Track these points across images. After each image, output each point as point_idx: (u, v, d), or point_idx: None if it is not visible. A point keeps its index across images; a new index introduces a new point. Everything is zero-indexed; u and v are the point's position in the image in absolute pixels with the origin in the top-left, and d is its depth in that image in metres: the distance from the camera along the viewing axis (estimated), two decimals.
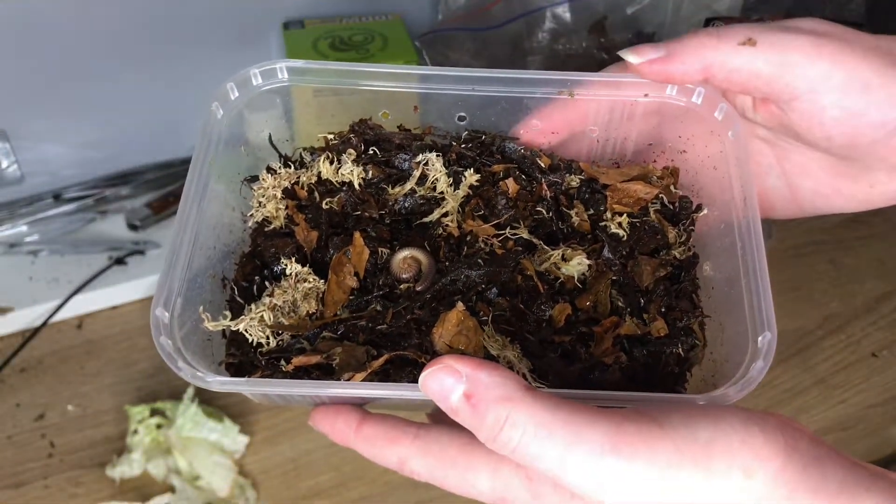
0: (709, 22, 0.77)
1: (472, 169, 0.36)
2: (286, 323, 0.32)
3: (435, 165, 0.36)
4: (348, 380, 0.29)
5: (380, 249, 0.34)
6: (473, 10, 0.79)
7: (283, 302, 0.32)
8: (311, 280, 0.33)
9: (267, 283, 0.33)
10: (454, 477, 0.29)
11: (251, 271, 0.35)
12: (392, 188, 0.36)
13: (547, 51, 0.82)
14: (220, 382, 0.28)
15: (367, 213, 0.35)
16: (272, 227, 0.36)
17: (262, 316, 0.32)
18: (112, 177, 0.80)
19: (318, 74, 0.37)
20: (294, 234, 0.35)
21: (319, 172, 0.36)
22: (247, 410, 0.61)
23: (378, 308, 0.32)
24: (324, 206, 0.35)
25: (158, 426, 0.58)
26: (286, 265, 0.33)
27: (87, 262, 0.72)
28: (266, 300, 0.32)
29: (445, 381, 0.26)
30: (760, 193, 0.35)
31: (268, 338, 0.31)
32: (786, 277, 0.73)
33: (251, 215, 0.36)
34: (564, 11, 0.82)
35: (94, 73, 0.75)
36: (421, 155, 0.37)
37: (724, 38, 0.32)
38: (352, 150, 0.37)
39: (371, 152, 0.37)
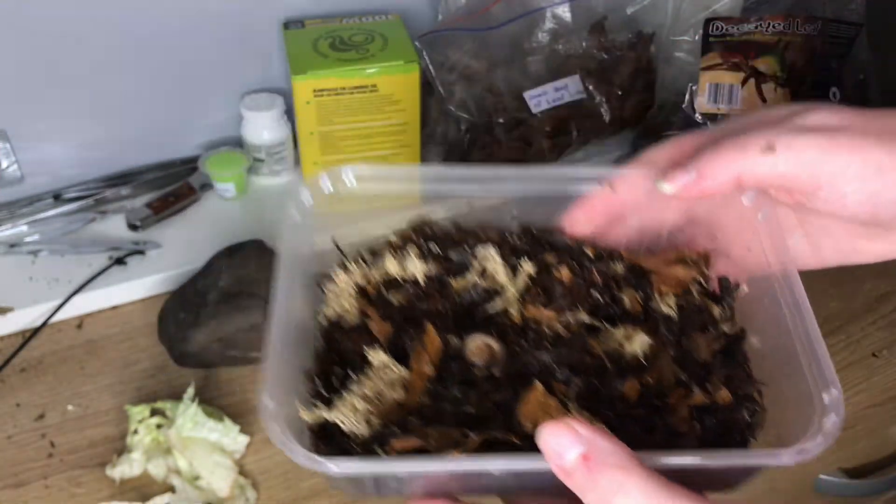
0: (709, 23, 0.77)
1: (528, 258, 0.39)
2: (375, 411, 0.33)
3: (493, 258, 0.39)
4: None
5: (450, 338, 0.36)
6: (473, 10, 0.79)
7: (371, 391, 0.34)
8: (395, 369, 0.35)
9: (351, 374, 0.35)
10: None
11: (329, 364, 0.36)
12: (454, 281, 0.39)
13: (547, 51, 0.82)
14: (344, 466, 0.30)
15: (433, 306, 0.38)
16: (346, 322, 0.38)
17: (354, 405, 0.33)
18: (112, 177, 0.80)
19: (384, 179, 0.40)
20: (368, 328, 0.37)
21: (386, 270, 0.39)
22: (246, 410, 0.62)
23: (457, 394, 0.34)
24: (393, 301, 0.38)
25: (158, 426, 0.58)
26: (371, 356, 0.35)
27: (87, 262, 0.72)
28: (355, 389, 0.34)
29: (564, 440, 0.28)
30: None
31: (361, 426, 0.33)
32: None
33: (324, 311, 0.38)
34: (564, 11, 0.82)
35: (95, 73, 0.75)
36: (479, 249, 0.39)
37: (747, 149, 0.34)
38: (414, 247, 0.40)
39: (432, 249, 0.40)
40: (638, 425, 0.33)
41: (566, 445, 0.27)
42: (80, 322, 0.69)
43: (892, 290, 0.72)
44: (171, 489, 0.55)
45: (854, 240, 0.37)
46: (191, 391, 0.58)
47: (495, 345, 0.36)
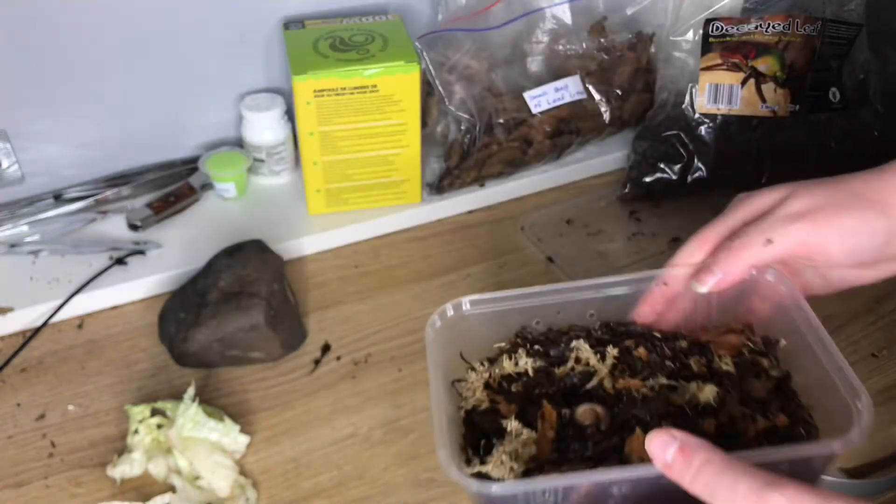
0: (709, 23, 0.77)
1: (611, 346, 0.50)
2: (519, 464, 0.44)
3: (584, 348, 0.51)
4: None
5: (562, 411, 0.47)
6: (473, 10, 0.79)
7: (511, 450, 0.45)
8: (526, 433, 0.46)
9: (494, 441, 0.46)
10: None
11: (474, 437, 0.47)
12: (558, 370, 0.50)
13: (547, 51, 0.82)
14: (510, 486, 0.42)
15: (544, 390, 0.48)
16: (480, 409, 0.49)
17: (502, 459, 0.44)
18: (113, 177, 0.80)
19: (491, 303, 0.52)
20: (498, 411, 0.48)
21: (503, 368, 0.51)
22: (247, 410, 0.62)
23: (577, 446, 0.44)
24: (513, 389, 0.49)
25: (159, 426, 0.58)
26: (507, 424, 0.46)
27: (87, 262, 0.72)
28: (500, 448, 0.45)
29: (664, 439, 0.37)
30: (801, 284, 0.50)
31: (508, 473, 0.44)
32: None
33: (463, 403, 0.50)
34: (564, 12, 0.82)
35: (95, 73, 0.75)
36: (573, 342, 0.51)
37: (752, 246, 0.46)
38: (522, 350, 0.51)
39: (536, 349, 0.51)
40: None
41: (667, 443, 0.37)
42: (80, 322, 0.69)
43: (892, 290, 0.72)
44: (172, 489, 0.55)
45: (858, 271, 0.48)
46: (191, 391, 0.58)
47: (599, 408, 0.46)
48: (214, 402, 0.62)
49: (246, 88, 0.82)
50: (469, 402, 0.50)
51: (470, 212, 0.82)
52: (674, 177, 0.79)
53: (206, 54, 0.78)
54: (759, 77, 0.78)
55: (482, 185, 0.81)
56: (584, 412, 0.46)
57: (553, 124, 0.80)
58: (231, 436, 0.57)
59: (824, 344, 0.45)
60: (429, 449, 0.59)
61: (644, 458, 0.40)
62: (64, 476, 0.57)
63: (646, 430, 0.41)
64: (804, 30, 0.77)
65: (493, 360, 0.52)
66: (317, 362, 0.66)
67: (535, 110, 0.79)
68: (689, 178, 0.79)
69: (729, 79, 0.78)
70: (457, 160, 0.78)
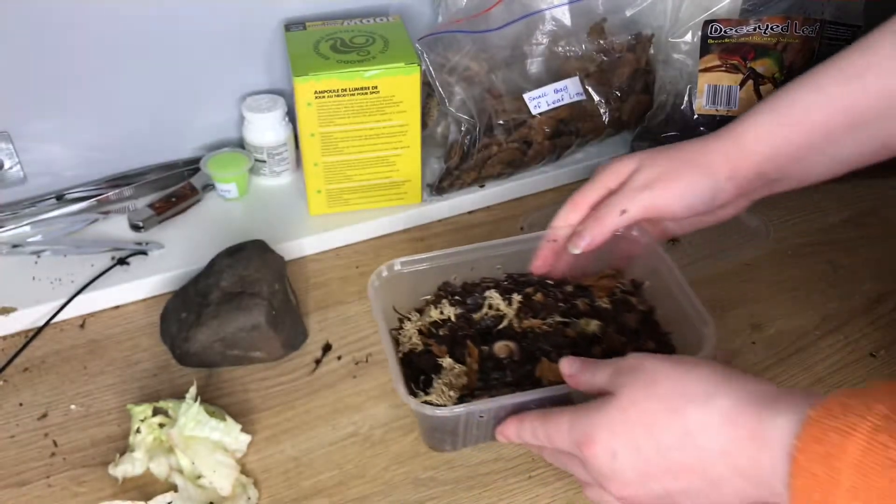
0: (707, 24, 0.77)
1: (516, 293, 0.62)
2: (454, 392, 0.55)
3: (495, 297, 0.62)
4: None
5: (482, 347, 0.59)
6: (474, 12, 0.80)
7: (446, 382, 0.56)
8: (457, 367, 0.57)
9: (433, 377, 0.57)
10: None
11: (413, 374, 0.57)
12: (475, 315, 0.62)
13: (546, 53, 0.83)
14: (460, 409, 0.52)
15: (465, 332, 0.60)
16: (417, 350, 0.59)
17: (441, 389, 0.55)
18: (115, 178, 0.80)
19: (418, 263, 0.62)
20: (431, 352, 0.59)
21: (431, 316, 0.62)
22: (248, 410, 0.62)
23: (497, 375, 0.57)
24: (440, 333, 0.60)
25: (161, 425, 0.58)
26: (442, 361, 0.58)
27: (89, 262, 0.72)
28: (438, 382, 0.56)
29: (568, 361, 0.51)
30: (661, 231, 0.62)
31: (449, 401, 0.55)
32: (784, 278, 0.73)
33: (400, 347, 0.60)
34: (564, 13, 0.82)
35: (97, 74, 0.75)
36: (486, 292, 0.62)
37: (611, 215, 0.58)
38: (445, 301, 0.62)
39: (456, 298, 0.63)
40: None
41: (570, 363, 0.50)
42: (82, 322, 0.70)
43: (890, 290, 0.72)
44: (174, 488, 0.56)
45: (694, 220, 0.60)
46: (193, 390, 0.58)
47: (511, 344, 0.59)
48: (216, 402, 0.62)
49: (247, 89, 0.82)
50: (406, 346, 0.60)
51: (470, 212, 0.82)
52: None
53: (208, 55, 0.79)
54: (758, 78, 0.78)
55: (482, 186, 0.81)
56: (500, 347, 0.58)
57: (552, 125, 0.80)
58: (232, 435, 0.57)
59: (679, 283, 0.57)
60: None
61: (551, 380, 0.54)
62: (66, 475, 0.58)
63: (549, 359, 0.56)
64: (803, 31, 0.78)
65: (421, 311, 0.63)
66: (318, 362, 0.66)
67: (534, 111, 0.80)
68: None
69: (727, 80, 0.78)
70: (457, 161, 0.79)
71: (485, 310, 0.62)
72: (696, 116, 0.79)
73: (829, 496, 0.34)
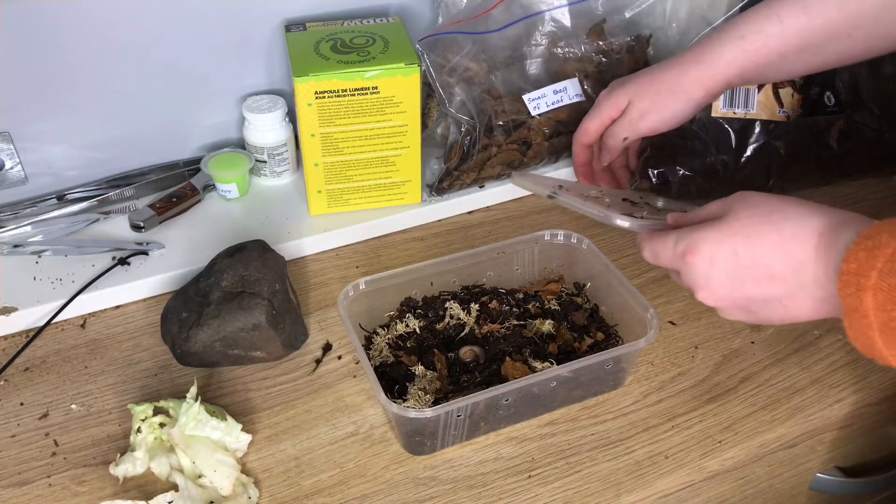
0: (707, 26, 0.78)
1: (473, 302, 0.68)
2: (429, 396, 0.60)
3: (455, 307, 0.67)
4: None
5: (448, 354, 0.64)
6: (473, 13, 0.80)
7: (420, 388, 0.61)
8: (429, 375, 0.62)
9: (407, 384, 0.61)
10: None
11: (389, 385, 0.62)
12: (438, 325, 0.67)
13: (546, 54, 0.83)
14: (438, 409, 0.55)
15: (430, 342, 0.65)
16: (388, 362, 0.64)
17: (417, 395, 0.60)
18: (115, 178, 0.80)
19: (380, 281, 0.66)
20: (402, 362, 0.63)
21: (397, 330, 0.66)
22: (249, 409, 0.62)
23: (467, 377, 0.62)
24: (408, 345, 0.65)
25: (161, 425, 0.58)
26: (415, 370, 0.62)
27: (90, 262, 0.73)
28: (413, 388, 0.61)
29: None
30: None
31: (424, 405, 0.59)
32: None
33: (372, 361, 0.64)
34: (564, 15, 0.82)
35: (98, 74, 0.75)
36: (446, 304, 0.68)
37: (617, 142, 0.72)
38: (409, 315, 0.67)
39: (419, 312, 0.68)
40: (560, 362, 0.62)
41: (673, 215, 0.57)
42: (83, 322, 0.70)
43: None
44: (174, 487, 0.56)
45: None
46: (193, 390, 0.59)
47: (475, 348, 0.65)
48: (216, 401, 0.62)
49: (248, 90, 0.82)
50: (377, 359, 0.64)
51: (470, 212, 0.82)
52: (679, 179, 0.79)
53: (209, 56, 0.79)
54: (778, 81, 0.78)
55: (482, 187, 0.82)
56: (465, 352, 0.64)
57: (552, 126, 0.81)
58: (233, 434, 0.58)
59: (619, 279, 0.65)
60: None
61: (516, 377, 0.59)
62: (67, 475, 0.58)
63: (511, 358, 0.62)
64: None
65: (387, 326, 0.67)
66: (318, 362, 0.66)
67: (534, 112, 0.80)
68: (696, 179, 0.79)
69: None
70: (457, 161, 0.79)
71: (447, 320, 0.67)
72: (694, 121, 0.79)
73: (863, 276, 0.42)
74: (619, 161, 0.77)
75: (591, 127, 0.73)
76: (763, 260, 0.48)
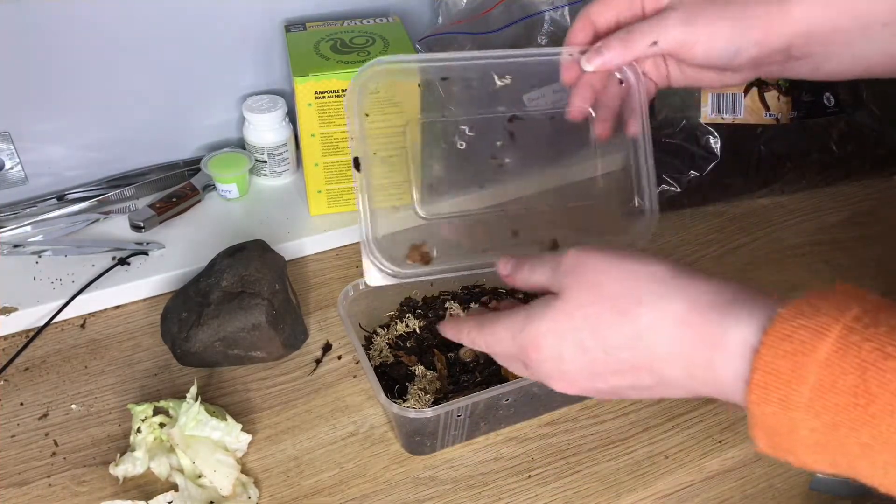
0: None
1: (473, 302, 0.68)
2: (429, 396, 0.60)
3: (454, 307, 0.68)
4: None
5: (448, 354, 0.63)
6: (473, 13, 0.80)
7: (420, 388, 0.61)
8: (429, 374, 0.62)
9: (407, 384, 0.61)
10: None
11: (388, 385, 0.62)
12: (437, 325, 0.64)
13: None
14: (438, 409, 0.55)
15: (430, 342, 0.65)
16: (387, 363, 0.64)
17: (417, 395, 0.60)
18: (116, 178, 0.80)
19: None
20: (402, 362, 0.63)
21: (397, 330, 0.66)
22: (249, 409, 0.62)
23: (467, 377, 0.62)
24: (408, 345, 0.65)
25: (161, 425, 0.58)
26: (415, 370, 0.62)
27: (90, 262, 0.73)
28: (413, 389, 0.61)
29: (504, 261, 0.49)
30: (663, 75, 0.56)
31: (425, 405, 0.59)
32: (783, 278, 0.73)
33: (372, 361, 0.63)
34: (563, 15, 0.82)
35: (98, 74, 0.75)
36: (447, 303, 0.68)
37: (640, 42, 0.51)
38: (409, 315, 0.67)
39: (419, 312, 0.67)
40: None
41: (504, 263, 0.49)
42: (83, 322, 0.70)
43: (889, 290, 0.72)
44: (174, 487, 0.56)
45: (703, 73, 0.54)
46: (193, 390, 0.59)
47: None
48: (216, 401, 0.62)
49: (248, 90, 0.82)
50: (377, 359, 0.64)
51: (470, 213, 0.82)
52: (677, 189, 0.79)
53: (209, 56, 0.79)
54: (762, 85, 0.78)
55: (482, 187, 0.82)
56: (465, 353, 0.64)
57: None
58: (233, 434, 0.58)
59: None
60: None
61: (515, 377, 0.56)
62: (67, 475, 0.58)
63: None
64: None
65: (387, 326, 0.67)
66: (318, 361, 0.66)
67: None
68: (691, 188, 0.80)
69: (732, 88, 0.78)
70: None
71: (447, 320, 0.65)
72: (700, 124, 0.79)
73: (793, 392, 0.33)
74: (614, 90, 0.56)
75: (598, 16, 0.54)
76: (620, 354, 0.40)
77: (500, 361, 0.48)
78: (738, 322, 0.36)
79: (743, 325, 0.36)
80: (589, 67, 0.53)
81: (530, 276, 0.46)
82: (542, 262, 0.45)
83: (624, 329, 0.40)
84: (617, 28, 0.53)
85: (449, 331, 0.50)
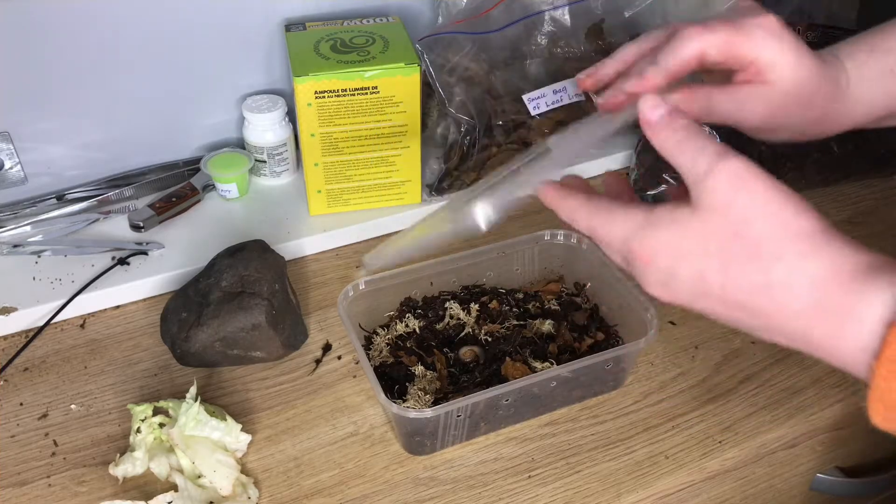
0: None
1: (473, 302, 0.68)
2: (429, 396, 0.60)
3: (454, 307, 0.67)
4: None
5: (448, 354, 0.64)
6: (473, 13, 0.80)
7: (420, 388, 0.61)
8: (429, 374, 0.62)
9: (407, 384, 0.61)
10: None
11: (388, 385, 0.62)
12: (438, 326, 0.67)
13: (546, 54, 0.83)
14: (438, 409, 0.55)
15: (430, 342, 0.65)
16: (386, 363, 0.64)
17: (417, 395, 0.60)
18: (115, 178, 0.80)
19: (380, 281, 0.66)
20: (402, 362, 0.63)
21: (397, 330, 0.66)
22: (249, 409, 0.62)
23: (467, 377, 0.62)
24: (408, 345, 0.65)
25: (161, 425, 0.58)
26: (415, 370, 0.62)
27: (90, 262, 0.73)
28: (413, 389, 0.61)
29: (656, 103, 0.41)
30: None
31: (425, 405, 0.59)
32: None
33: (372, 361, 0.64)
34: (563, 15, 0.82)
35: (97, 74, 0.75)
36: (446, 304, 0.68)
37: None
38: (409, 315, 0.67)
39: (419, 312, 0.68)
40: (560, 362, 0.62)
41: (657, 105, 0.41)
42: (83, 322, 0.70)
43: None
44: (174, 488, 0.56)
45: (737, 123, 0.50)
46: (193, 390, 0.59)
47: (475, 348, 0.65)
48: (216, 401, 0.62)
49: (247, 90, 0.82)
50: (377, 359, 0.64)
51: None
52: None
53: (208, 56, 0.79)
54: None
55: None
56: (465, 352, 0.64)
57: (551, 126, 0.80)
58: (233, 434, 0.58)
59: (619, 279, 0.65)
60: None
61: (516, 377, 0.59)
62: (66, 475, 0.58)
63: (511, 358, 0.62)
64: (805, 37, 0.78)
65: (386, 326, 0.67)
66: (318, 362, 0.66)
67: (533, 112, 0.80)
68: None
69: None
70: (456, 161, 0.79)
71: (446, 320, 0.67)
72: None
73: None
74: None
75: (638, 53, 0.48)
76: (739, 296, 0.38)
77: (598, 244, 0.43)
78: (876, 295, 0.35)
79: (881, 297, 0.35)
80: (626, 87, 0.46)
81: (675, 144, 0.40)
82: (698, 138, 0.39)
83: (755, 276, 0.37)
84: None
85: (551, 196, 0.45)
